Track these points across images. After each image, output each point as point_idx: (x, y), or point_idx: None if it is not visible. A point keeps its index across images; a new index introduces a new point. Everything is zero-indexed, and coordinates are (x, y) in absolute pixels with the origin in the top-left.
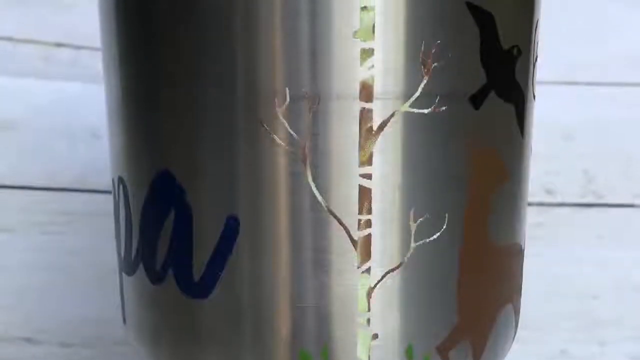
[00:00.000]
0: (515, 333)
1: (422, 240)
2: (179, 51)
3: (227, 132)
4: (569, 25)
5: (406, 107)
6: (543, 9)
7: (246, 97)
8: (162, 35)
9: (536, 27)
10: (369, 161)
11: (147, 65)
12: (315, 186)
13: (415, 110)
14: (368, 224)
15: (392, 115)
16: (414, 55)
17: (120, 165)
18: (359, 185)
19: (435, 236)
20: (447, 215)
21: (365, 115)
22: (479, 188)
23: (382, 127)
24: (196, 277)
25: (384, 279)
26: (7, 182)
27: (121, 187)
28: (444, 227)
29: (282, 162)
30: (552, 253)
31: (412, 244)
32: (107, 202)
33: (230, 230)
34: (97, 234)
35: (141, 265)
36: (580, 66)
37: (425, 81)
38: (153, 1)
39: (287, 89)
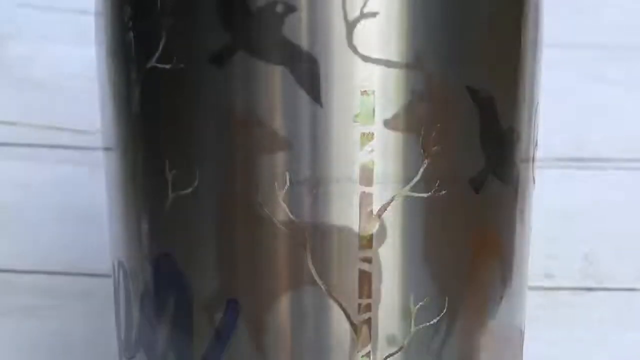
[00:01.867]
0: None
1: (422, 324)
2: (179, 136)
3: (227, 216)
4: (570, 108)
5: (406, 191)
6: (543, 92)
7: (246, 180)
8: (162, 121)
9: (536, 110)
10: (369, 245)
11: (147, 151)
12: (315, 270)
13: (415, 194)
14: (368, 307)
15: (392, 199)
16: (414, 139)
17: (120, 248)
18: (359, 269)
19: (435, 320)
20: (447, 298)
21: (365, 199)
22: (478, 271)
23: (382, 211)
24: None
25: None
26: None
27: (121, 270)
28: (444, 310)
29: (282, 245)
30: (552, 335)
31: (412, 328)
32: (98, 286)
33: (230, 314)
34: (88, 318)
35: (142, 350)
36: (580, 149)
37: (425, 165)
38: (155, 88)
39: (287, 172)
